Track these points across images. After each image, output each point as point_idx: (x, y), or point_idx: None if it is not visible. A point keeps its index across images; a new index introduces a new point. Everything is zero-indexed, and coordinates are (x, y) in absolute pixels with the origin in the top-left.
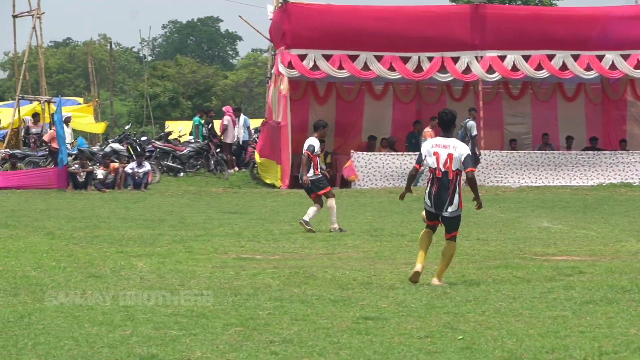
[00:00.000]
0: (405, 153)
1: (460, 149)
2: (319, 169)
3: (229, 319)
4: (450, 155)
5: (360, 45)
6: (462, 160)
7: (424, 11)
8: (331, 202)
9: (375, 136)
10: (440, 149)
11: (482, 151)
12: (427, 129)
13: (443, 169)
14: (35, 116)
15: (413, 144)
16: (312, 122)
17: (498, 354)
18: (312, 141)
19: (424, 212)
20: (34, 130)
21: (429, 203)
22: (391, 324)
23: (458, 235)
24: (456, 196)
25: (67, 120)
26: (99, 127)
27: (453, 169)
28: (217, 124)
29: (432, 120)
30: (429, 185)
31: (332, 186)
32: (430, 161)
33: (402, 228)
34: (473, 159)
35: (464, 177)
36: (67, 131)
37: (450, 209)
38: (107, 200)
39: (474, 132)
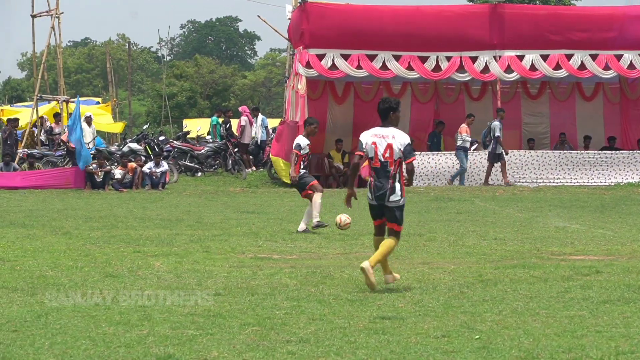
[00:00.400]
0: (423, 152)
1: (399, 139)
2: (302, 167)
3: (245, 319)
4: (389, 145)
5: (379, 45)
6: (402, 149)
7: (442, 11)
8: (316, 197)
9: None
10: (378, 139)
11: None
12: (463, 125)
13: (382, 159)
14: (57, 116)
15: (435, 143)
16: (331, 121)
17: (515, 354)
18: (300, 139)
19: (339, 217)
20: (57, 130)
21: (370, 196)
22: (408, 324)
23: (469, 234)
24: (397, 185)
25: (89, 120)
26: (117, 127)
27: (394, 158)
28: (234, 123)
29: (468, 117)
30: (370, 177)
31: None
32: (369, 152)
33: (419, 228)
34: (412, 149)
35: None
36: (89, 130)
37: (392, 198)
38: (124, 200)
39: (497, 133)
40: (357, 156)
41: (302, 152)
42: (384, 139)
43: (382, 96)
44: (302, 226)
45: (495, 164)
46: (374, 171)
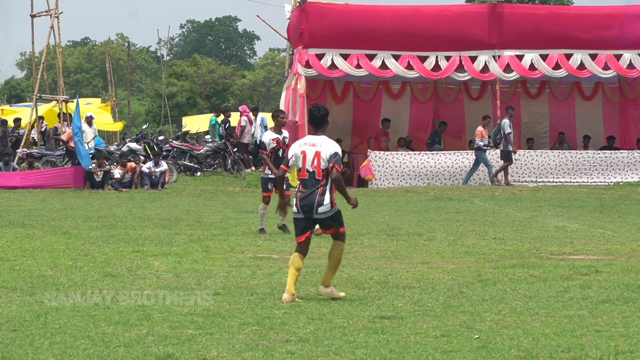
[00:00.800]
0: (422, 152)
1: (327, 147)
2: (267, 168)
3: (245, 318)
4: (317, 154)
5: (378, 45)
6: (328, 158)
7: (441, 10)
8: (262, 207)
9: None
10: (308, 148)
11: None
12: (479, 128)
13: (310, 169)
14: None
15: (436, 142)
16: (330, 121)
17: (514, 353)
18: (264, 137)
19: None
20: (64, 129)
21: (295, 210)
22: (407, 323)
23: (468, 233)
24: (327, 196)
25: (89, 120)
26: (117, 126)
27: (322, 168)
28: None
29: (484, 119)
30: (298, 188)
31: (349, 185)
32: (298, 161)
33: (418, 227)
34: (340, 158)
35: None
36: (90, 130)
37: (320, 210)
38: (124, 199)
39: (507, 130)
40: (282, 169)
41: (268, 149)
42: (313, 147)
43: (316, 103)
44: (280, 221)
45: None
46: (302, 182)
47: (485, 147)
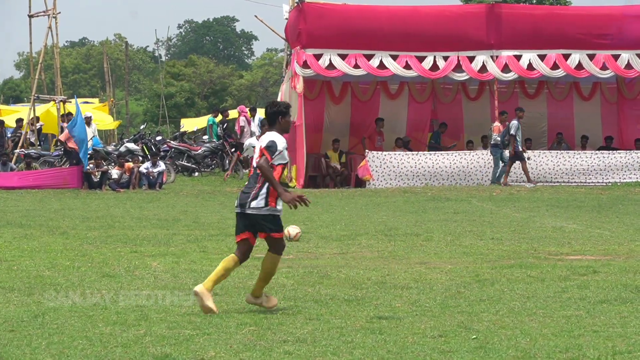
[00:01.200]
0: (420, 152)
1: (265, 140)
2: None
3: (242, 319)
4: (261, 149)
5: (376, 45)
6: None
7: (439, 11)
8: None
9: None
10: (257, 144)
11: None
12: (496, 124)
13: (255, 165)
14: (69, 115)
15: (436, 142)
16: (328, 121)
17: (512, 354)
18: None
19: (286, 231)
20: None
21: (235, 202)
22: (405, 324)
23: (466, 234)
24: (263, 191)
25: (88, 120)
26: (112, 124)
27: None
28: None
29: (501, 114)
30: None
31: (347, 186)
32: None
33: (416, 228)
34: (276, 149)
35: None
36: (90, 130)
37: (253, 204)
38: (121, 200)
39: (512, 132)
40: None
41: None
42: (259, 143)
43: (273, 100)
44: None
45: (515, 162)
46: (248, 179)
47: (498, 144)
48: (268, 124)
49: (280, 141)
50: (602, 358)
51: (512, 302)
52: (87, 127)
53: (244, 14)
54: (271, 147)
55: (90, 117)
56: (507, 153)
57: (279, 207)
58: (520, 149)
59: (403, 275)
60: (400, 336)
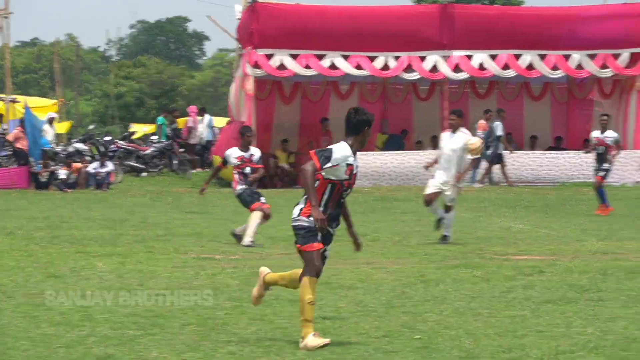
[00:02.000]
0: (369, 153)
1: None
2: (241, 181)
3: (187, 319)
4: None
5: (328, 45)
6: None
7: (391, 11)
8: (254, 216)
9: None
10: None
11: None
12: (481, 121)
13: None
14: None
15: (397, 145)
16: (277, 121)
17: (455, 354)
18: (228, 152)
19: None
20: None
21: None
22: (349, 324)
23: (413, 234)
24: (301, 200)
25: (51, 121)
26: (63, 127)
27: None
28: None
29: (485, 112)
30: None
31: (295, 186)
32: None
33: (363, 227)
34: (327, 156)
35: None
36: (51, 131)
37: (294, 210)
38: (69, 200)
39: (499, 133)
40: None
41: (229, 165)
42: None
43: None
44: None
45: (495, 165)
46: None
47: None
48: (348, 132)
49: (343, 152)
50: (545, 358)
51: (456, 302)
52: (49, 128)
53: (197, 14)
54: (325, 153)
55: (53, 117)
56: (489, 152)
57: (311, 218)
58: (501, 152)
59: (349, 276)
60: (344, 336)
